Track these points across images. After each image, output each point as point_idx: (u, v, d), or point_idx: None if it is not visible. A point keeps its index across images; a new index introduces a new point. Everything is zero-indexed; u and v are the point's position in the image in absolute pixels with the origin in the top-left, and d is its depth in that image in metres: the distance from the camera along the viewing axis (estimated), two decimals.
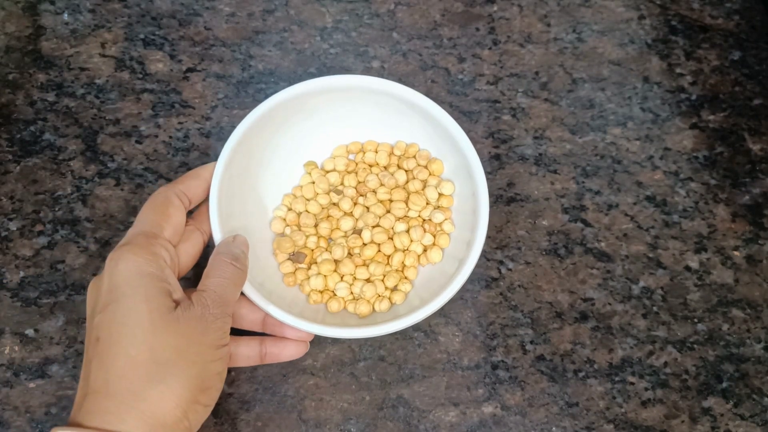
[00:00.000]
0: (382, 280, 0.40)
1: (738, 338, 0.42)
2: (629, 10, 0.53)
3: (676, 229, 0.46)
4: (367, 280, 0.40)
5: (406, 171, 0.43)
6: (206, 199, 0.38)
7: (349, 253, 0.41)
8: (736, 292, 0.44)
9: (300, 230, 0.42)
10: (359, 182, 0.43)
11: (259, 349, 0.37)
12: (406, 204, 0.42)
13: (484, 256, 0.44)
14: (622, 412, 0.40)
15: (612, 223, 0.46)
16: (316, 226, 0.42)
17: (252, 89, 0.49)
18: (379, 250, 0.41)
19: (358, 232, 0.42)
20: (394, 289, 0.40)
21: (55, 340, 0.40)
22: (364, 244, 0.41)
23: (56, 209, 0.44)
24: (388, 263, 0.41)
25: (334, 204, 0.43)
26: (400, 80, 0.49)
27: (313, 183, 0.43)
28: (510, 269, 0.44)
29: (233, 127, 0.39)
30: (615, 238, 0.45)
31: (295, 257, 0.41)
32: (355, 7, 0.52)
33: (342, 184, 0.43)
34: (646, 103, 0.50)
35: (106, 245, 0.43)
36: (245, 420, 0.39)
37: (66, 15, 0.51)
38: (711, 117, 0.50)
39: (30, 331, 0.40)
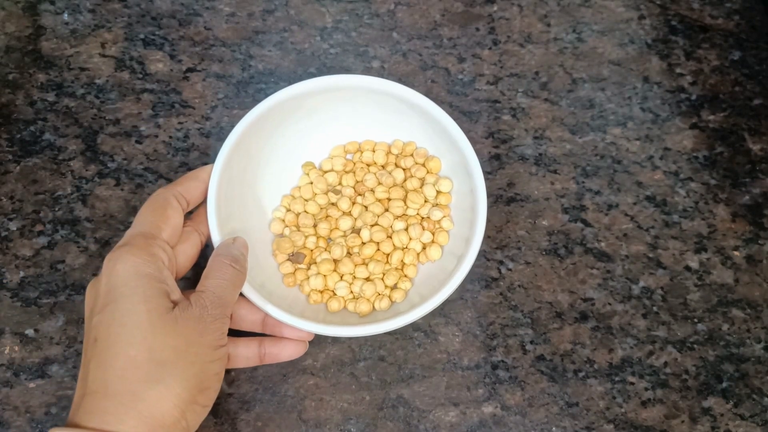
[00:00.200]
0: (382, 279, 0.40)
1: (738, 338, 0.42)
2: (629, 10, 0.53)
3: (676, 229, 0.46)
4: (367, 279, 0.40)
5: (403, 169, 0.43)
6: (204, 201, 0.38)
7: (348, 253, 0.41)
8: (736, 292, 0.44)
9: (299, 231, 0.42)
10: (357, 182, 0.43)
11: (258, 349, 0.37)
12: (405, 202, 0.42)
13: (484, 256, 0.44)
14: (622, 412, 0.40)
15: (612, 223, 0.46)
16: (314, 226, 0.42)
17: (252, 89, 0.49)
18: (378, 249, 0.41)
19: (357, 231, 0.42)
20: (394, 287, 0.40)
21: (55, 340, 0.40)
22: (363, 243, 0.41)
23: (56, 209, 0.44)
24: (387, 262, 0.41)
25: (332, 204, 0.43)
26: (400, 80, 0.49)
27: (311, 183, 0.43)
28: (510, 269, 0.44)
29: (233, 127, 0.39)
30: (615, 238, 0.45)
31: (295, 258, 0.41)
32: (355, 7, 0.52)
33: (340, 184, 0.43)
34: (646, 103, 0.50)
35: (106, 245, 0.43)
36: (245, 420, 0.39)
37: (66, 15, 0.51)
38: (711, 117, 0.50)
39: (30, 331, 0.40)
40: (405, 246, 0.41)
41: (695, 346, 0.42)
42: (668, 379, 0.41)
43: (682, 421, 0.40)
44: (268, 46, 0.50)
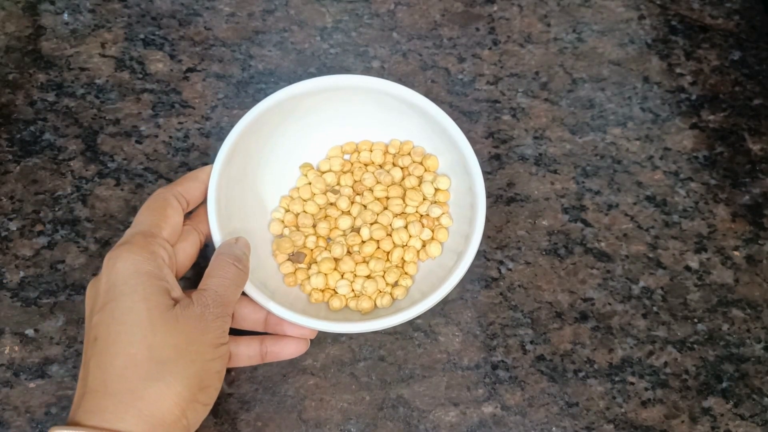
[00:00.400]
0: (383, 276, 0.40)
1: (738, 338, 0.42)
2: (629, 10, 0.53)
3: (676, 229, 0.46)
4: (368, 277, 0.40)
5: (401, 168, 0.43)
6: (204, 201, 0.38)
7: (349, 252, 0.41)
8: (736, 292, 0.44)
9: (298, 230, 0.42)
10: (355, 181, 0.43)
11: (259, 348, 0.37)
12: (403, 200, 0.42)
13: (484, 256, 0.44)
14: (622, 412, 0.40)
15: (612, 223, 0.46)
16: (314, 226, 0.42)
17: (252, 89, 0.49)
18: (378, 247, 0.41)
19: (356, 230, 0.42)
20: (395, 284, 0.40)
21: (55, 340, 0.40)
22: (363, 242, 0.41)
23: (56, 209, 0.44)
24: (387, 259, 0.41)
25: (331, 204, 0.43)
26: (400, 80, 0.49)
27: (310, 184, 0.43)
28: (510, 269, 0.44)
29: (233, 127, 0.39)
30: (615, 238, 0.45)
31: (295, 257, 0.41)
32: (355, 7, 0.52)
33: (338, 184, 0.43)
34: (646, 103, 0.50)
35: (106, 245, 0.43)
36: (245, 420, 0.39)
37: (66, 15, 0.51)
38: (711, 117, 0.50)
39: (30, 331, 0.40)
40: (405, 243, 0.41)
41: (695, 346, 0.42)
42: (668, 379, 0.41)
43: (682, 421, 0.40)
44: (268, 46, 0.50)
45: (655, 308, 0.43)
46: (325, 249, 0.42)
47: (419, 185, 0.43)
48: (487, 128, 0.48)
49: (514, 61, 0.51)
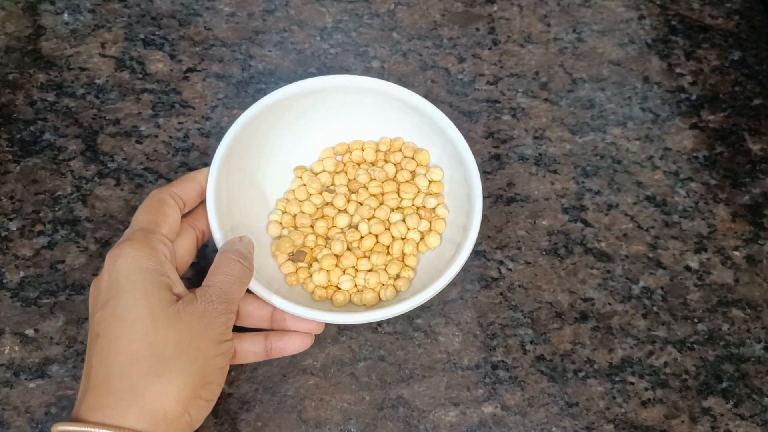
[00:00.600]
0: (385, 269, 0.40)
1: (738, 338, 0.42)
2: (629, 10, 0.53)
3: (676, 229, 0.46)
4: (370, 271, 0.41)
5: (394, 164, 0.43)
6: (200, 203, 0.39)
7: (348, 248, 0.41)
8: (736, 292, 0.44)
9: (297, 230, 0.42)
10: (350, 180, 0.43)
11: (264, 344, 0.37)
12: (399, 194, 0.42)
13: (484, 256, 0.44)
14: (622, 412, 0.40)
15: (612, 223, 0.45)
16: (312, 225, 0.42)
17: (252, 89, 0.49)
18: (378, 241, 0.41)
19: (354, 226, 0.42)
20: (398, 277, 0.41)
21: (55, 340, 0.40)
22: (362, 237, 0.41)
23: (56, 209, 0.44)
24: (388, 253, 0.41)
25: (327, 203, 0.43)
26: (399, 80, 0.49)
27: (305, 185, 0.43)
28: (510, 269, 0.44)
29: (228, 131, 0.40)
30: (615, 238, 0.45)
31: (295, 256, 0.41)
32: (355, 7, 0.52)
33: (333, 183, 0.44)
34: (646, 103, 0.50)
35: (106, 245, 0.43)
36: (245, 420, 0.39)
37: (66, 15, 0.51)
38: (711, 117, 0.50)
39: (30, 331, 0.40)
40: (404, 236, 0.42)
41: (695, 346, 0.42)
42: (668, 379, 0.41)
43: (682, 421, 0.40)
44: (268, 46, 0.50)
45: (655, 308, 0.43)
46: (325, 247, 0.42)
47: (413, 179, 0.43)
48: (486, 128, 0.48)
49: (514, 61, 0.51)
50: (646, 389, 0.41)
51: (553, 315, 0.43)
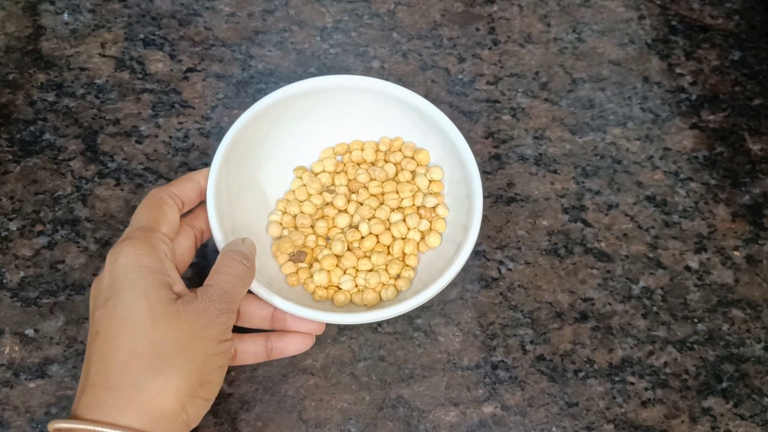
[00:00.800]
0: (386, 269, 0.40)
1: (738, 338, 0.42)
2: (629, 10, 0.53)
3: (676, 229, 0.46)
4: (370, 271, 0.41)
5: (394, 164, 0.43)
6: (199, 204, 0.39)
7: (349, 248, 0.41)
8: (736, 292, 0.44)
9: (297, 230, 0.42)
10: (350, 180, 0.43)
11: (265, 344, 0.37)
12: (398, 194, 0.42)
13: (484, 256, 0.44)
14: (622, 412, 0.40)
15: (612, 223, 0.45)
16: (312, 226, 0.42)
17: (252, 89, 0.49)
18: (378, 241, 0.41)
19: (355, 227, 0.42)
20: (398, 276, 0.41)
21: (55, 340, 0.40)
22: (363, 237, 0.41)
23: (56, 209, 0.44)
24: (388, 253, 0.41)
25: (327, 203, 0.43)
26: (399, 80, 0.49)
27: (305, 185, 0.43)
28: (510, 269, 0.44)
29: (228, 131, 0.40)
30: (615, 238, 0.45)
31: (296, 257, 0.41)
32: (355, 7, 0.52)
33: (333, 183, 0.44)
34: (646, 103, 0.50)
35: (106, 245, 0.43)
36: (245, 420, 0.39)
37: (66, 15, 0.51)
38: (711, 117, 0.50)
39: (30, 331, 0.40)
40: (404, 236, 0.42)
41: (695, 346, 0.42)
42: (668, 379, 0.41)
43: (682, 421, 0.40)
44: (268, 46, 0.50)
45: (655, 308, 0.43)
46: (326, 247, 0.42)
47: (413, 178, 0.43)
48: (486, 128, 0.48)
49: (514, 61, 0.51)
50: (646, 389, 0.41)
51: (553, 315, 0.43)
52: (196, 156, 0.46)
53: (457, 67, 0.50)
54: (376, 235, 0.41)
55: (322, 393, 0.40)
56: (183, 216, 0.38)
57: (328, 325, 0.41)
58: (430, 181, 0.43)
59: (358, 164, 0.44)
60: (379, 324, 0.42)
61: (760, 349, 0.42)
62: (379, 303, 0.40)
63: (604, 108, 0.49)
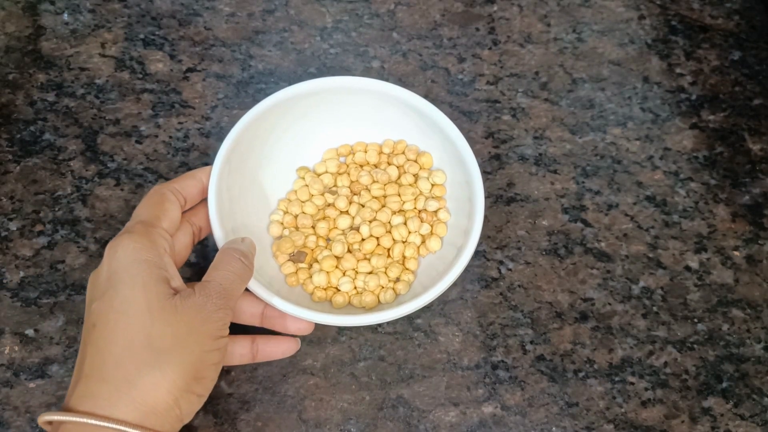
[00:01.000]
0: (385, 272, 0.40)
1: (738, 338, 0.42)
2: (629, 10, 0.53)
3: (676, 229, 0.46)
4: (370, 273, 0.41)
5: (397, 167, 0.43)
6: (200, 201, 0.39)
7: (349, 250, 0.41)
8: (736, 292, 0.44)
9: (298, 231, 0.42)
10: (352, 181, 0.43)
11: (250, 347, 0.38)
12: (400, 197, 0.42)
13: (484, 256, 0.44)
14: (622, 412, 0.40)
15: (612, 223, 0.45)
16: (313, 226, 0.42)
17: (252, 89, 0.49)
18: (379, 244, 0.41)
19: (356, 228, 0.42)
20: (397, 280, 0.41)
21: (55, 340, 0.40)
22: (363, 239, 0.41)
23: (56, 209, 0.44)
24: (388, 255, 0.41)
25: (329, 204, 0.43)
26: (399, 80, 0.49)
27: (307, 186, 0.43)
28: (510, 269, 0.44)
29: (233, 127, 0.40)
30: (615, 238, 0.45)
31: (296, 257, 0.41)
32: (355, 7, 0.52)
33: (335, 185, 0.44)
34: (646, 103, 0.50)
35: (106, 245, 0.43)
36: (245, 420, 0.39)
37: (66, 15, 0.51)
38: (711, 117, 0.50)
39: (30, 331, 0.40)
40: (405, 239, 0.42)
41: (695, 346, 0.42)
42: (668, 379, 0.41)
43: (682, 421, 0.40)
44: (268, 46, 0.50)
45: (655, 308, 0.43)
46: (326, 248, 0.42)
47: (415, 182, 0.43)
48: (486, 128, 0.48)
49: (514, 61, 0.51)
50: (646, 389, 0.41)
51: (553, 315, 0.43)
52: (196, 156, 0.46)
53: (457, 67, 0.50)
54: (377, 238, 0.41)
55: (322, 393, 0.40)
56: (183, 213, 0.38)
57: (327, 325, 0.41)
58: (433, 185, 0.43)
59: (361, 166, 0.44)
60: (379, 324, 0.42)
61: (760, 349, 0.42)
62: (378, 306, 0.40)
63: (604, 108, 0.49)
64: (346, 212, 0.43)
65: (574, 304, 0.43)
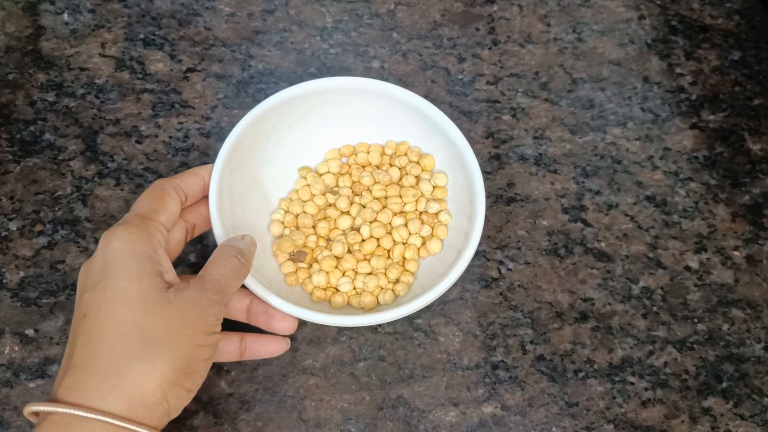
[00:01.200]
0: (385, 273, 0.40)
1: (738, 338, 0.42)
2: (629, 10, 0.53)
3: (676, 229, 0.46)
4: (369, 274, 0.41)
5: (399, 168, 0.43)
6: (200, 199, 0.39)
7: (349, 250, 0.41)
8: (736, 292, 0.44)
9: (299, 230, 0.42)
10: (354, 182, 0.43)
11: (239, 344, 0.38)
12: (402, 198, 0.42)
13: (484, 256, 0.44)
14: (622, 412, 0.40)
15: (612, 223, 0.45)
16: (314, 226, 0.42)
17: (252, 89, 0.49)
18: (379, 245, 0.41)
19: (356, 229, 0.42)
20: (397, 281, 0.41)
21: (55, 340, 0.40)
22: (363, 240, 0.41)
23: (56, 209, 0.44)
24: (388, 257, 0.41)
25: (330, 205, 0.43)
26: (399, 80, 0.49)
27: (309, 186, 0.43)
28: (510, 269, 0.44)
29: (233, 127, 0.40)
30: (615, 238, 0.45)
31: (296, 256, 0.41)
32: (355, 7, 0.52)
33: (337, 185, 0.44)
34: (646, 103, 0.50)
35: None
36: (245, 420, 0.39)
37: (66, 15, 0.51)
38: (711, 117, 0.50)
39: (30, 331, 0.40)
40: (405, 241, 0.42)
41: (695, 346, 0.42)
42: (668, 379, 0.41)
43: (682, 421, 0.40)
44: (268, 46, 0.50)
45: (655, 308, 0.43)
46: (326, 248, 0.42)
47: (417, 183, 0.43)
48: (487, 128, 0.48)
49: (514, 61, 0.51)
50: (646, 389, 0.41)
51: (553, 315, 0.43)
52: (196, 156, 0.46)
53: (457, 67, 0.50)
54: (377, 239, 0.41)
55: (322, 393, 0.40)
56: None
57: (327, 325, 0.41)
58: (434, 187, 0.43)
59: (363, 167, 0.44)
60: (379, 324, 0.42)
61: (760, 349, 0.42)
62: (377, 307, 0.40)
63: (604, 108, 0.49)
64: (347, 213, 0.43)
65: (574, 304, 0.43)
